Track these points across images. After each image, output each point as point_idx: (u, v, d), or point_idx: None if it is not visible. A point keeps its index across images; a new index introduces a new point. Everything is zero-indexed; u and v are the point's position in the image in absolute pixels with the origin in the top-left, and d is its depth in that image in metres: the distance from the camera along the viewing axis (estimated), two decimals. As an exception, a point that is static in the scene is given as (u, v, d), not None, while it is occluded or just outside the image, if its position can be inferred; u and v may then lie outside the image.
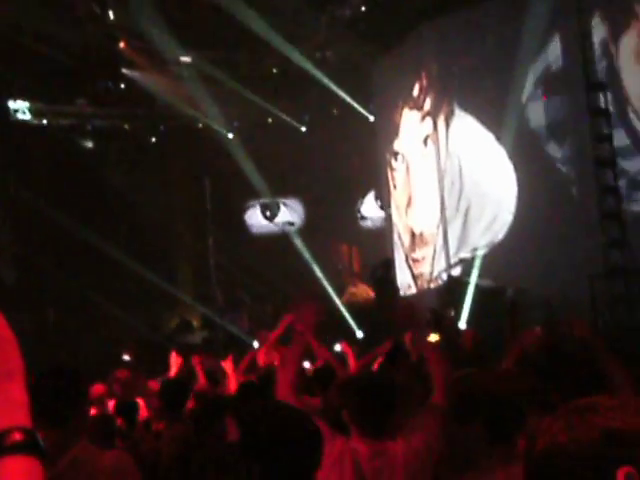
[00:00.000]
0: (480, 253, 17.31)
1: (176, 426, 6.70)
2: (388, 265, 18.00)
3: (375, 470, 4.17)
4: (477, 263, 16.85)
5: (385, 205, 22.80)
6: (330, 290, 19.54)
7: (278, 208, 24.44)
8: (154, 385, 10.11)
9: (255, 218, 24.79)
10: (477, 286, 16.19)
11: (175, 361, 10.07)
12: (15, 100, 21.11)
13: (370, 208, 24.00)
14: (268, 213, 24.47)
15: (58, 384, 3.91)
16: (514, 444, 3.08)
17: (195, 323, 22.39)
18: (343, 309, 17.89)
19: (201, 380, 9.04)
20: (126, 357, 18.32)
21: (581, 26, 14.89)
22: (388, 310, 16.11)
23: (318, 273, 20.22)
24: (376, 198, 23.74)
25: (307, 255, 21.08)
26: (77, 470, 3.72)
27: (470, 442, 3.07)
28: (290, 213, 24.43)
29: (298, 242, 21.34)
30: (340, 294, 19.62)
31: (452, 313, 15.89)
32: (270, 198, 24.18)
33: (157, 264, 21.63)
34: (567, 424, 1.86)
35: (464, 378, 3.37)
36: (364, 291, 19.71)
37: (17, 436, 1.66)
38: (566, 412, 1.87)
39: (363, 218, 24.03)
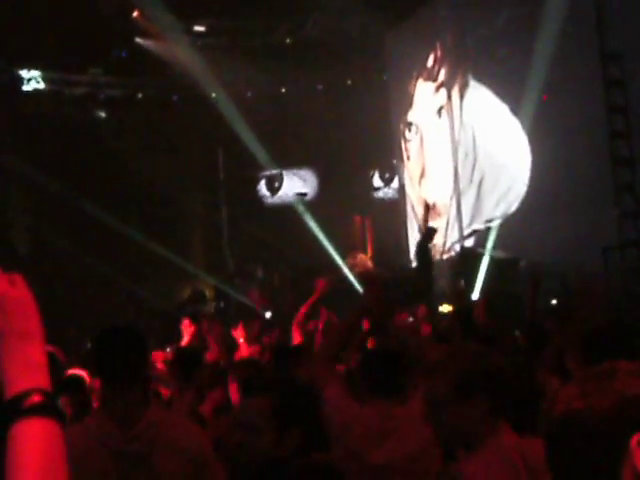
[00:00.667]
0: (494, 224, 17.28)
1: (187, 394, 6.68)
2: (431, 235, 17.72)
3: (386, 432, 4.26)
4: (492, 234, 16.82)
5: (388, 180, 22.82)
6: (340, 262, 19.53)
7: (282, 180, 24.34)
8: (159, 355, 10.12)
9: (266, 193, 24.71)
10: (491, 257, 16.18)
11: (188, 329, 10.11)
12: (29, 69, 21.07)
13: (381, 181, 23.95)
14: (276, 184, 24.39)
15: (128, 342, 3.83)
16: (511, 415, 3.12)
17: (208, 293, 22.41)
18: (353, 280, 17.83)
19: (213, 348, 9.06)
20: None
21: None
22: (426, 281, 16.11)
23: (327, 245, 20.19)
24: (383, 174, 23.69)
25: (318, 227, 21.07)
26: (155, 434, 3.70)
27: (476, 416, 3.07)
28: (302, 184, 24.36)
29: (306, 213, 21.25)
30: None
31: (462, 284, 15.89)
32: (279, 169, 24.12)
33: (169, 235, 21.66)
34: (582, 391, 1.87)
35: (464, 352, 3.37)
36: (362, 262, 19.67)
37: (36, 398, 1.66)
38: (584, 378, 1.88)
39: (376, 189, 23.98)
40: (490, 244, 16.55)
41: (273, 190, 24.34)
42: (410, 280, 17.82)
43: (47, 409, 1.66)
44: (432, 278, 16.49)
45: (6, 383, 1.68)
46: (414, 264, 17.39)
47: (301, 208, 21.42)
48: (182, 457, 3.73)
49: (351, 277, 18.29)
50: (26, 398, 1.65)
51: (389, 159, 23.27)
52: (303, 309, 9.08)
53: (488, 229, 17.67)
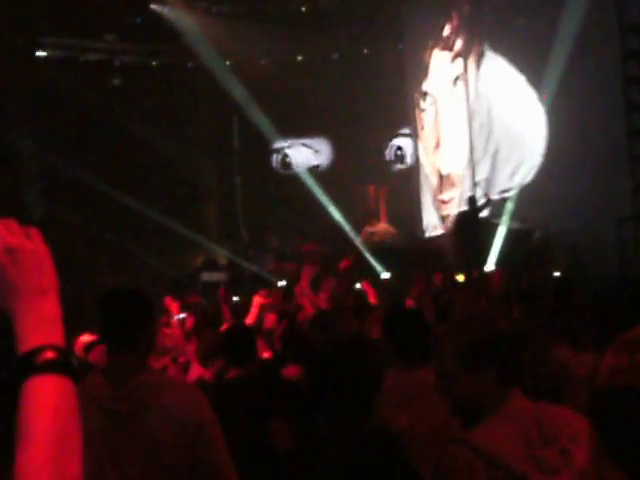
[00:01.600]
0: (511, 195, 17.20)
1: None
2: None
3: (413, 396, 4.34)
4: (509, 205, 16.74)
5: (412, 150, 22.74)
6: (350, 232, 19.46)
7: (289, 155, 24.23)
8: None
9: (279, 162, 24.61)
10: (505, 228, 16.15)
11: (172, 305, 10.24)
12: (44, 36, 20.99)
13: (399, 151, 23.85)
14: (287, 159, 24.28)
15: (130, 306, 3.84)
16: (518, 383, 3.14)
17: (221, 261, 22.39)
18: (363, 250, 17.76)
19: (226, 315, 9.09)
20: None
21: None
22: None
23: (337, 215, 20.16)
24: (397, 149, 23.57)
25: (332, 196, 21.03)
26: (142, 395, 3.69)
27: (485, 386, 3.09)
28: (315, 155, 24.28)
29: (313, 183, 21.21)
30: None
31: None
32: (293, 139, 24.02)
33: (183, 204, 21.68)
34: (618, 364, 1.87)
35: (467, 323, 3.38)
36: (383, 230, 19.61)
37: (49, 354, 1.65)
38: (617, 349, 1.88)
39: (391, 161, 23.87)
40: (507, 214, 16.49)
41: (285, 166, 24.26)
42: (430, 249, 17.83)
43: (60, 365, 1.66)
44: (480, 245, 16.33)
45: (20, 338, 1.67)
46: (457, 231, 17.21)
47: (309, 180, 21.37)
48: (174, 420, 3.68)
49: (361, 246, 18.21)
50: (40, 354, 1.64)
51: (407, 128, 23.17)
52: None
53: (503, 200, 17.63)
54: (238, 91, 21.65)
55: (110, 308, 3.85)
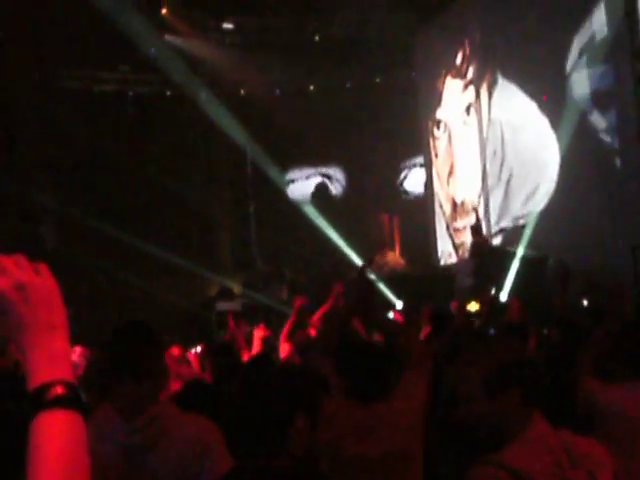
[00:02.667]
0: (530, 221, 17.14)
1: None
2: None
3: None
4: (526, 232, 16.67)
5: (426, 179, 22.79)
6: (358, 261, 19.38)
7: (327, 187, 24.34)
8: (176, 351, 10.15)
9: (295, 193, 24.64)
10: (519, 256, 16.12)
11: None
12: (60, 67, 21.12)
13: (413, 182, 23.91)
14: (320, 190, 24.35)
15: (142, 337, 3.85)
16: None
17: (235, 291, 22.40)
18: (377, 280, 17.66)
19: (240, 342, 9.09)
20: None
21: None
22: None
23: (353, 244, 20.14)
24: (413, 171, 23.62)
25: (346, 225, 21.10)
26: (156, 428, 3.68)
27: (509, 410, 3.09)
28: (333, 185, 24.38)
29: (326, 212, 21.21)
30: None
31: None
32: (308, 167, 24.13)
33: (197, 232, 21.73)
34: None
35: (493, 348, 3.37)
36: (394, 260, 19.60)
37: (59, 390, 1.65)
38: None
39: (406, 193, 23.93)
40: (523, 242, 16.44)
41: (316, 196, 24.36)
42: (445, 277, 17.82)
43: (70, 401, 1.66)
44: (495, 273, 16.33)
45: (30, 374, 1.68)
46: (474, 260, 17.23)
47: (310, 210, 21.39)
48: (184, 450, 3.68)
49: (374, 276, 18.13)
50: (49, 390, 1.65)
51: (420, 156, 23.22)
52: (320, 311, 9.15)
53: (517, 227, 17.62)
54: (251, 120, 21.76)
55: (118, 341, 3.86)
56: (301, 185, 24.57)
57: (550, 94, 16.86)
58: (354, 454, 4.24)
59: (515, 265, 15.66)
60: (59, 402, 1.65)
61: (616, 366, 4.73)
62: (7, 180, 18.69)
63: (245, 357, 8.59)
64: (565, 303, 7.33)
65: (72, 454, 1.63)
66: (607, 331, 5.20)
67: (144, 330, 3.89)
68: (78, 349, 7.53)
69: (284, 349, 8.76)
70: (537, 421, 3.11)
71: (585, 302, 12.78)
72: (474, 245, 17.74)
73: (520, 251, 16.27)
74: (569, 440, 3.08)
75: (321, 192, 24.45)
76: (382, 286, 16.76)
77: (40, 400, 1.65)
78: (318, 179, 24.49)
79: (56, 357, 1.70)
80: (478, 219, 18.29)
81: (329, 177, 24.48)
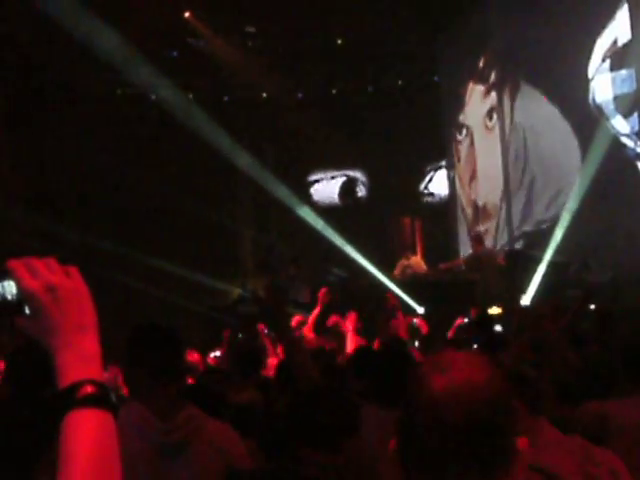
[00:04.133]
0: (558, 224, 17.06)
1: (245, 394, 6.70)
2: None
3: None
4: (555, 235, 16.51)
5: (449, 182, 22.78)
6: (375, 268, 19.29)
7: (356, 185, 24.34)
8: (194, 357, 10.18)
9: (322, 192, 24.63)
10: (541, 260, 16.07)
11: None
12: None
13: (435, 185, 23.88)
14: (349, 189, 24.34)
15: (169, 339, 3.92)
16: None
17: (260, 293, 22.33)
18: (395, 285, 17.50)
19: (270, 349, 9.14)
20: None
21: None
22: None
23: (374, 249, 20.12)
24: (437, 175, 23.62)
25: (367, 229, 21.11)
26: (194, 426, 3.77)
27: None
28: (359, 187, 24.39)
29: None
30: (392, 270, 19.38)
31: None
32: (330, 170, 24.15)
33: (220, 233, 21.73)
34: None
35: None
36: (417, 264, 19.50)
37: (89, 389, 1.68)
38: None
39: (430, 195, 23.89)
40: (553, 247, 16.31)
41: (345, 195, 24.34)
42: (466, 282, 17.78)
43: (100, 400, 1.69)
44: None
45: (60, 373, 1.71)
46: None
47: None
48: (217, 455, 3.81)
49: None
50: (79, 389, 1.68)
51: (443, 160, 23.18)
52: (311, 320, 9.25)
53: (539, 231, 17.58)
54: (274, 123, 21.80)
55: (151, 341, 3.91)
56: (326, 185, 24.58)
57: (572, 99, 16.82)
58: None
59: (540, 270, 15.61)
60: (89, 401, 1.68)
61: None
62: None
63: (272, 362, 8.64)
64: (576, 318, 7.30)
65: (102, 453, 1.65)
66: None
67: (172, 332, 3.94)
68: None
69: (311, 339, 8.83)
70: (546, 428, 3.12)
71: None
72: (472, 258, 17.83)
73: (545, 256, 16.22)
74: (585, 444, 3.09)
75: (348, 191, 24.44)
76: (402, 291, 16.74)
77: (70, 399, 1.67)
78: (343, 179, 24.48)
79: (86, 357, 1.73)
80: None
81: (354, 178, 24.46)
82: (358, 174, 24.43)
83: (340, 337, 9.89)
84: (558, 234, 16.39)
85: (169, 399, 3.77)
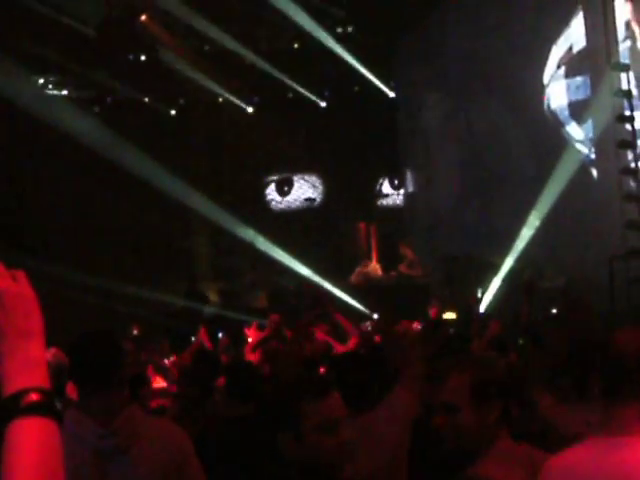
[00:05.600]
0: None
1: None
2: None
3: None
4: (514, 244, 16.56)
5: (397, 186, 22.91)
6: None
7: (292, 184, 24.33)
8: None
9: (274, 194, 24.69)
10: (496, 266, 16.20)
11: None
12: (42, 75, 21.03)
13: (390, 188, 24.00)
14: (285, 188, 24.37)
15: (101, 346, 3.89)
16: None
17: (211, 297, 22.30)
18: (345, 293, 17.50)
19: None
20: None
21: (605, 6, 14.75)
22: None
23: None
24: (392, 181, 23.72)
25: (324, 233, 21.19)
26: (129, 430, 3.74)
27: (489, 422, 3.17)
28: (311, 189, 24.39)
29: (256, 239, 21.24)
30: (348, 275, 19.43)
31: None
32: (286, 174, 24.18)
33: (175, 238, 21.69)
34: None
35: (475, 361, 3.46)
36: (374, 270, 19.57)
37: (34, 397, 1.66)
38: None
39: (384, 196, 23.98)
40: (509, 254, 16.39)
41: (283, 193, 24.31)
42: (421, 286, 17.89)
43: (44, 408, 1.67)
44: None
45: (5, 381, 1.69)
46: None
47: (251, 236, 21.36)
48: (160, 454, 3.80)
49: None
50: (24, 397, 1.66)
51: (398, 165, 23.25)
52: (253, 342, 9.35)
53: (496, 238, 17.72)
54: (229, 128, 21.78)
55: (79, 351, 3.94)
56: (282, 189, 24.59)
57: (528, 105, 16.94)
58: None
59: (496, 276, 15.73)
60: (33, 409, 1.65)
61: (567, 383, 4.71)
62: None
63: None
64: (528, 313, 7.36)
65: (46, 461, 1.63)
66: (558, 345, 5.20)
67: (111, 339, 3.97)
68: (53, 350, 7.55)
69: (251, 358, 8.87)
70: (504, 436, 3.15)
71: (554, 310, 12.83)
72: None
73: (499, 262, 16.34)
74: (532, 454, 3.11)
75: (303, 195, 24.46)
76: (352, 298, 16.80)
77: (14, 407, 1.64)
78: (299, 185, 24.50)
79: (31, 364, 1.70)
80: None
81: (310, 182, 24.48)
82: (313, 179, 24.41)
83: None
84: (515, 241, 16.51)
85: (107, 404, 3.74)
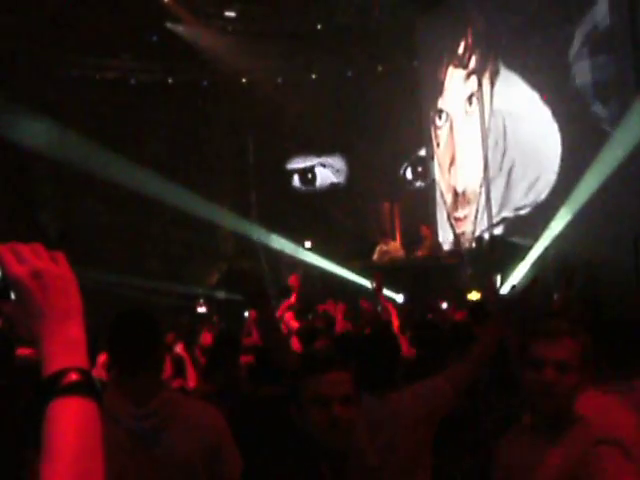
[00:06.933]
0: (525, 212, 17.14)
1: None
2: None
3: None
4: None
5: (421, 174, 22.83)
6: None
7: (314, 172, 24.31)
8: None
9: (298, 182, 24.65)
10: (519, 246, 16.11)
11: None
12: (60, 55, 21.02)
13: (415, 171, 23.91)
14: (309, 176, 24.35)
15: (140, 326, 3.91)
16: None
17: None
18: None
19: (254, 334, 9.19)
20: (201, 309, 18.27)
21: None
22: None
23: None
24: (415, 168, 23.61)
25: (347, 214, 21.15)
26: (167, 412, 3.76)
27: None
28: (334, 174, 24.34)
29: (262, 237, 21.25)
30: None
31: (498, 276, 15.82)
32: (310, 156, 24.13)
33: (199, 220, 21.72)
34: None
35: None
36: (395, 249, 19.45)
37: (73, 376, 1.67)
38: None
39: (409, 182, 23.91)
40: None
41: (307, 182, 24.31)
42: (445, 267, 17.85)
43: (84, 388, 1.68)
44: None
45: (45, 360, 1.70)
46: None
47: (257, 235, 21.38)
48: (197, 435, 3.79)
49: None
50: (63, 376, 1.67)
51: (421, 151, 23.19)
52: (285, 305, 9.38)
53: (518, 217, 17.65)
54: (254, 108, 21.74)
55: (119, 330, 3.93)
56: (306, 179, 24.54)
57: (552, 84, 16.83)
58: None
59: (522, 258, 15.62)
60: (73, 388, 1.66)
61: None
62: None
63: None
64: (567, 302, 7.32)
65: (86, 441, 1.64)
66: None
67: (150, 320, 3.96)
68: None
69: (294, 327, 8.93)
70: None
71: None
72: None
73: (518, 241, 16.29)
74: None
75: (327, 180, 24.40)
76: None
77: (54, 387, 1.66)
78: (323, 170, 24.44)
79: (71, 344, 1.72)
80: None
81: (333, 166, 24.42)
82: (337, 160, 24.37)
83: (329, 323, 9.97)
84: (536, 219, 16.41)
85: (144, 385, 3.75)
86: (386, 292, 13.70)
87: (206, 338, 10.33)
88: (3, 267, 1.73)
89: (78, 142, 19.32)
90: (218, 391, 5.94)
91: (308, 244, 20.76)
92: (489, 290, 4.47)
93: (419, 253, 18.84)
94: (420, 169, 23.44)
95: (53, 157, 19.31)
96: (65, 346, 1.71)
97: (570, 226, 15.44)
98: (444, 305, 13.62)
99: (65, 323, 1.72)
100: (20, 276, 1.72)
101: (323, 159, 24.29)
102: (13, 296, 1.73)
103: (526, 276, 15.15)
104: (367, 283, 14.51)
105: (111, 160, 19.38)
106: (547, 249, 15.57)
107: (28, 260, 1.74)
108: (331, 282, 17.77)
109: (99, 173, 19.31)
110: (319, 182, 24.27)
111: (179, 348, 9.36)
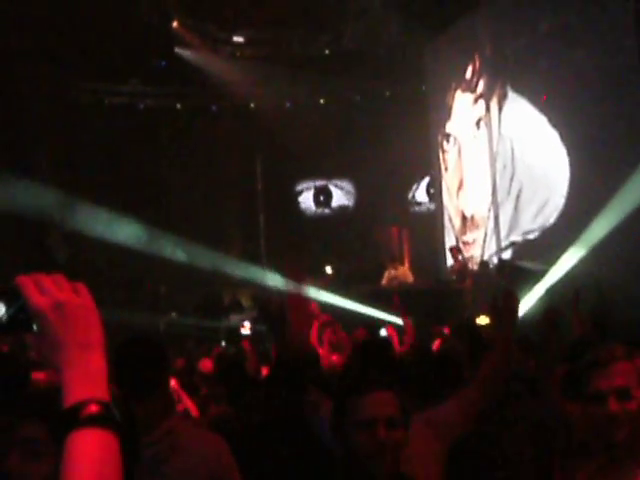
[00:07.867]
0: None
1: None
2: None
3: None
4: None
5: (436, 192, 22.79)
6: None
7: (330, 193, 24.38)
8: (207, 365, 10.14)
9: (309, 202, 24.71)
10: (528, 270, 16.07)
11: None
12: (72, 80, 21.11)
13: (424, 194, 23.95)
14: (322, 198, 24.39)
15: (145, 353, 3.88)
16: None
17: (244, 302, 22.29)
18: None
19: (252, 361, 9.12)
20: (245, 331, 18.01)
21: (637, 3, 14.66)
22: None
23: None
24: (429, 186, 23.64)
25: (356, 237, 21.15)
26: (169, 442, 3.72)
27: None
28: (345, 196, 24.40)
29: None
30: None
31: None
32: (318, 180, 24.19)
33: (208, 244, 21.73)
34: None
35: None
36: (404, 274, 19.43)
37: (93, 408, 1.67)
38: None
39: (418, 204, 23.94)
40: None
41: (320, 203, 24.36)
42: (454, 292, 17.81)
43: (103, 419, 1.68)
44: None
45: (65, 392, 1.70)
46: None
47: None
48: (200, 467, 3.73)
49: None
50: (83, 408, 1.67)
51: (428, 173, 23.24)
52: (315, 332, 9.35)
53: (527, 241, 17.62)
54: (262, 133, 21.80)
55: (125, 358, 3.86)
56: (319, 199, 24.58)
57: (559, 108, 16.85)
58: None
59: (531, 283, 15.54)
60: (93, 420, 1.66)
61: None
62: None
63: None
64: (583, 320, 7.28)
65: (104, 472, 1.64)
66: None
67: (153, 347, 3.94)
68: None
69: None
70: None
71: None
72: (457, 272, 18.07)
73: (527, 265, 16.25)
74: None
75: (319, 201, 24.42)
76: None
77: (74, 418, 1.67)
78: (334, 189, 24.49)
79: (91, 375, 1.72)
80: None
81: (343, 189, 24.48)
82: (346, 183, 24.44)
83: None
84: (544, 243, 16.38)
85: (148, 412, 3.69)
86: (389, 317, 13.72)
87: (206, 364, 10.22)
88: (25, 298, 1.74)
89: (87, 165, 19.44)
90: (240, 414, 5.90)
91: (329, 269, 20.75)
92: (507, 306, 4.26)
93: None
94: (429, 192, 23.47)
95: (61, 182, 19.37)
96: (85, 377, 1.71)
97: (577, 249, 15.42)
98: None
99: (86, 354, 1.73)
100: (42, 308, 1.73)
101: (333, 182, 24.35)
102: (35, 327, 1.74)
103: (538, 303, 15.09)
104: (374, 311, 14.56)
105: (117, 181, 19.47)
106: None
107: (50, 291, 1.75)
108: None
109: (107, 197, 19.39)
110: (335, 202, 24.32)
111: (172, 383, 9.31)
